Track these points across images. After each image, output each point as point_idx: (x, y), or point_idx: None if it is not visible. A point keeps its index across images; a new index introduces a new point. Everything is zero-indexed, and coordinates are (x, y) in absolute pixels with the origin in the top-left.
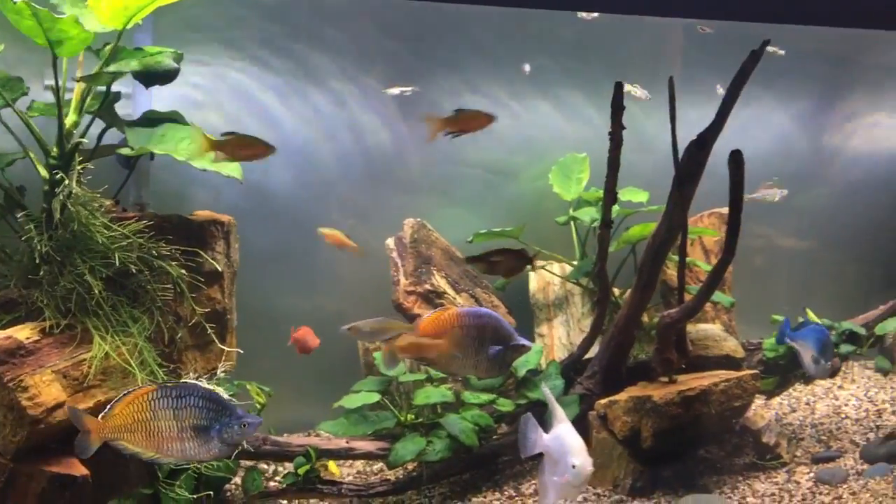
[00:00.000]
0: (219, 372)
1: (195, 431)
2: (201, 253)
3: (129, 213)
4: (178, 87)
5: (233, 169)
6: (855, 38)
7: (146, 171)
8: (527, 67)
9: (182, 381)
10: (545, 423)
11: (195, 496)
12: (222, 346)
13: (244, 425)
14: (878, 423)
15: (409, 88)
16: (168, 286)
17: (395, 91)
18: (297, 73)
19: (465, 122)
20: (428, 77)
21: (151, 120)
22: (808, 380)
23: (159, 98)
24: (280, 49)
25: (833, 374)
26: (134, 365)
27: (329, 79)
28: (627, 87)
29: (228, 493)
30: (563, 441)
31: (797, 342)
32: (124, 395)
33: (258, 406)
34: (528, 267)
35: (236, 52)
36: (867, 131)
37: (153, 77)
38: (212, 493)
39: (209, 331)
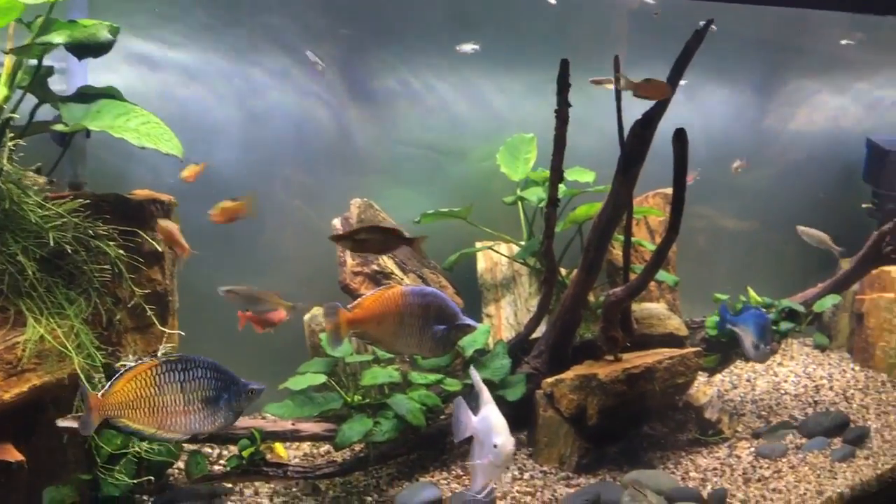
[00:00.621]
0: (160, 354)
1: (203, 403)
2: (140, 233)
3: (63, 192)
4: (116, 63)
5: (172, 146)
6: (795, 23)
7: (82, 148)
8: (467, 48)
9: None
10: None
11: (136, 481)
12: (163, 329)
13: (251, 392)
14: (816, 399)
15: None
16: (106, 267)
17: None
18: (239, 50)
19: (650, 89)
20: (371, 56)
21: (86, 95)
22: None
23: (96, 74)
24: (222, 25)
25: (773, 354)
26: (70, 348)
27: (272, 56)
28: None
29: (171, 478)
30: (488, 422)
31: (738, 327)
32: (125, 370)
33: None
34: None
35: (176, 27)
36: (807, 113)
37: (86, 49)
38: (153, 477)
39: (149, 313)
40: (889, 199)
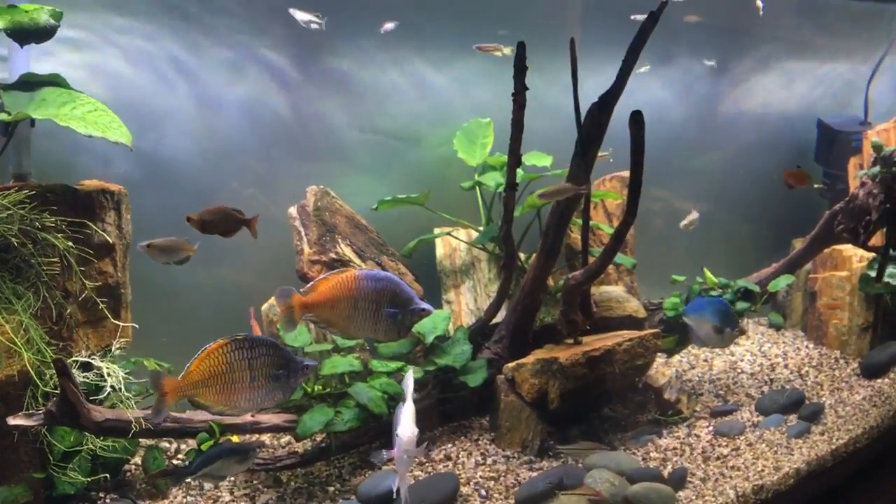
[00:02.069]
0: (114, 348)
1: (266, 380)
2: (90, 224)
3: (8, 184)
4: (59, 49)
5: (121, 135)
6: (745, 7)
7: (27, 138)
8: (389, 26)
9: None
10: None
11: (91, 479)
12: (116, 322)
13: (306, 368)
14: (771, 377)
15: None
16: (55, 260)
17: (305, 16)
18: (190, 36)
19: None
20: (326, 42)
21: (30, 83)
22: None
23: (39, 62)
24: (173, 10)
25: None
26: (20, 343)
27: (224, 42)
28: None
29: (128, 474)
30: (398, 415)
31: (689, 318)
32: (200, 352)
33: None
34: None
35: (122, 11)
36: (758, 96)
37: (28, 35)
38: (109, 475)
39: (101, 306)
40: (839, 179)
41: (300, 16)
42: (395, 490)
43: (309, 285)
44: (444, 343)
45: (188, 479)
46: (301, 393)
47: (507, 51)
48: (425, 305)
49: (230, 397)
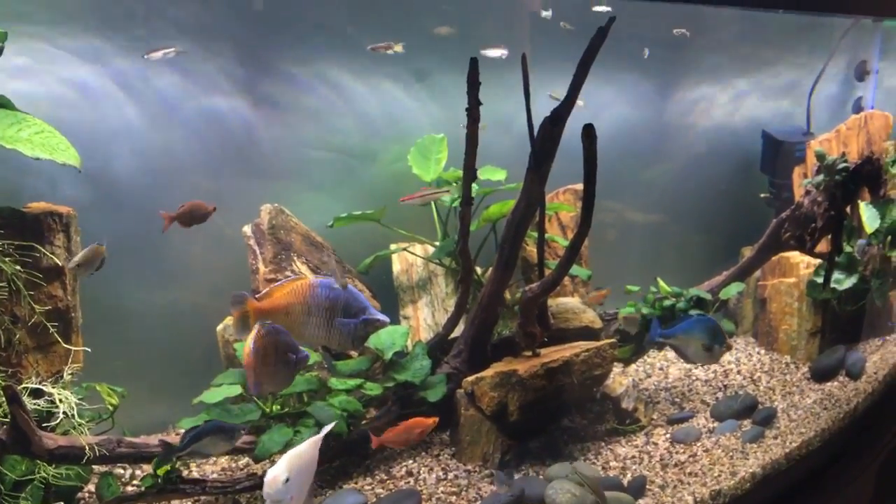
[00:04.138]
0: (65, 374)
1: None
2: (38, 247)
3: None
4: (4, 70)
5: (69, 156)
6: (690, 21)
7: None
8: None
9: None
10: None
11: None
12: (67, 346)
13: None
14: (725, 383)
15: (172, 49)
16: (2, 284)
17: (158, 54)
18: (135, 52)
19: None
20: (277, 58)
21: None
22: (660, 346)
23: None
24: (119, 31)
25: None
26: None
27: (173, 62)
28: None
29: (82, 502)
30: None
31: (675, 339)
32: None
33: (110, 408)
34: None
35: (70, 30)
36: (704, 108)
37: None
38: (63, 503)
39: (52, 330)
40: (785, 188)
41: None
42: None
43: (264, 291)
44: (403, 359)
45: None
46: (259, 413)
47: (398, 48)
48: (380, 316)
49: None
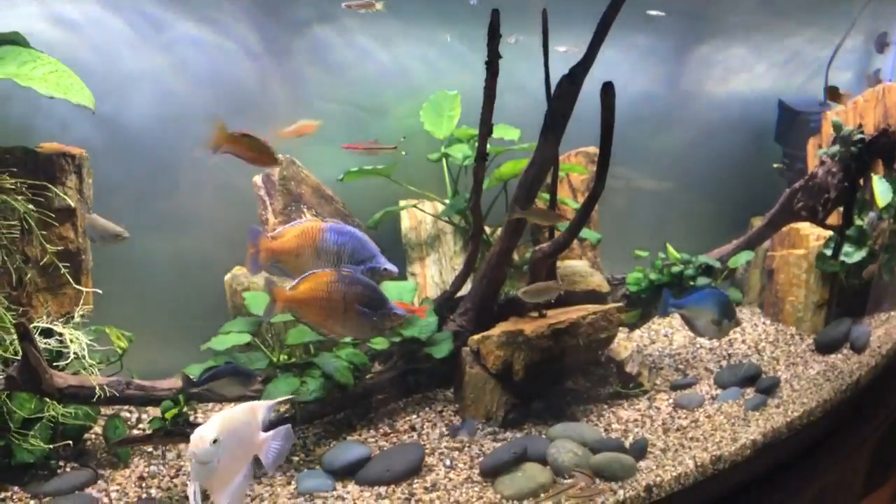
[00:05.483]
0: (76, 315)
1: (357, 315)
2: (51, 187)
3: None
4: (18, 7)
5: (83, 97)
6: None
7: None
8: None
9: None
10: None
11: (52, 446)
12: (78, 287)
13: (395, 315)
14: (729, 352)
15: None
16: (14, 223)
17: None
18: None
19: None
20: (291, 10)
21: None
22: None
23: None
24: None
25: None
26: None
27: (191, 9)
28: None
29: (89, 443)
30: None
31: (687, 309)
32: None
33: (119, 351)
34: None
35: None
36: (721, 76)
37: None
38: (71, 442)
39: (63, 271)
40: (798, 159)
41: None
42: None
43: (277, 231)
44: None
45: (195, 390)
46: (266, 362)
47: (380, 6)
48: (388, 264)
49: (325, 320)
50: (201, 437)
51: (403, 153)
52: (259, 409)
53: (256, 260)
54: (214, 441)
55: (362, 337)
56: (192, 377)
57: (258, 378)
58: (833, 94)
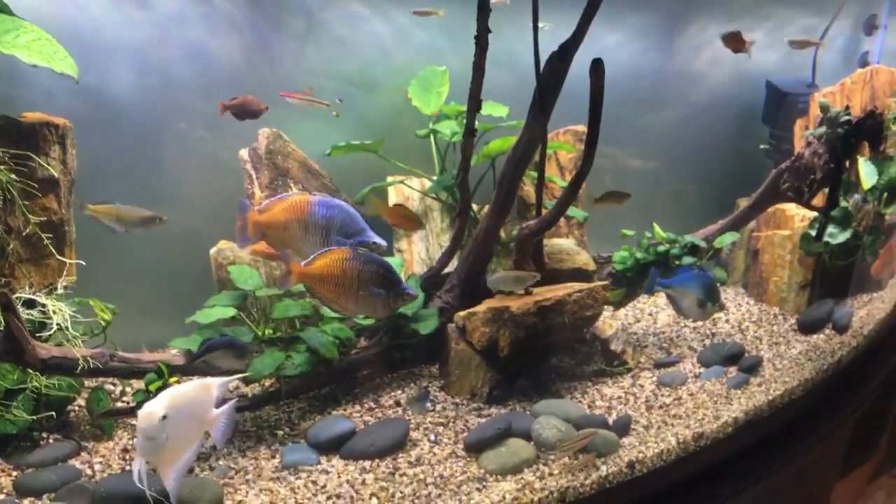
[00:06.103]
0: (59, 287)
1: (370, 293)
2: (33, 157)
3: None
4: None
5: (67, 65)
6: None
7: None
8: None
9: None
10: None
11: (35, 417)
12: (61, 259)
13: (407, 294)
14: (713, 331)
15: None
16: None
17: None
18: None
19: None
20: None
21: None
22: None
23: None
24: None
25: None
26: None
27: None
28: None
29: (72, 415)
30: None
31: (673, 289)
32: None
33: (102, 323)
34: None
35: None
36: (709, 56)
37: None
38: (54, 414)
39: (46, 242)
40: (786, 140)
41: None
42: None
43: (264, 204)
44: None
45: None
46: (251, 336)
47: (441, 13)
48: (377, 238)
49: (338, 297)
50: (149, 413)
51: (335, 114)
52: (213, 385)
53: (245, 233)
54: (163, 417)
55: (375, 315)
56: (193, 352)
57: (254, 351)
58: (734, 39)
